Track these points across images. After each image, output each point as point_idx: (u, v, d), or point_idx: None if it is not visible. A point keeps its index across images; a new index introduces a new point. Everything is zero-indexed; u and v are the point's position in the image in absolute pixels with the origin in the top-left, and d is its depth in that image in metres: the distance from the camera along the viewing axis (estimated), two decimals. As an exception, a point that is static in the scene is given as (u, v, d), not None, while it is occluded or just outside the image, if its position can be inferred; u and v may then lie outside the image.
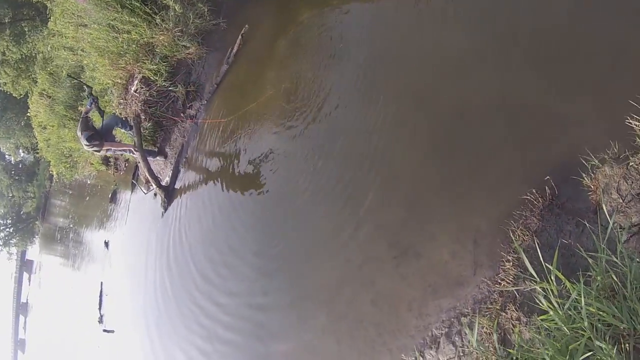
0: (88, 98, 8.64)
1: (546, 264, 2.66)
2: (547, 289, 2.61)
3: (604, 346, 2.21)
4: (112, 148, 9.10)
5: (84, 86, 9.11)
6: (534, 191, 3.16)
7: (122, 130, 9.34)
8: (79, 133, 8.34)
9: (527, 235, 3.08)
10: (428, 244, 3.76)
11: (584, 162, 2.87)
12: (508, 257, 3.12)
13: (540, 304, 2.62)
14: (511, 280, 3.03)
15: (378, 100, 4.80)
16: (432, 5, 4.71)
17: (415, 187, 4.09)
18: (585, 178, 2.88)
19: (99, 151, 8.93)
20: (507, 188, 3.39)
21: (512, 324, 2.92)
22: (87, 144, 8.32)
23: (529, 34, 3.72)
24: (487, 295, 3.21)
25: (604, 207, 2.70)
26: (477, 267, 3.35)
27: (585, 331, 2.32)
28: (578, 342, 2.31)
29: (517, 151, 3.45)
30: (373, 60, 5.17)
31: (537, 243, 2.86)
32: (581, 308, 2.33)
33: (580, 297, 2.33)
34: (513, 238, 3.12)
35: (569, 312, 2.45)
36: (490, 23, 4.05)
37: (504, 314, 3.00)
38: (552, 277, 2.59)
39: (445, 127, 4.03)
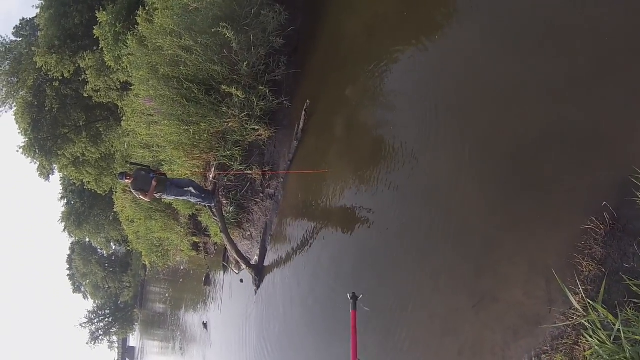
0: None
1: (589, 300, 2.89)
2: (593, 321, 2.78)
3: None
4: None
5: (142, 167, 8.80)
6: (594, 219, 3.18)
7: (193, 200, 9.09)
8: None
9: (593, 265, 3.13)
10: (503, 288, 3.83)
11: (635, 180, 2.85)
12: (576, 290, 3.13)
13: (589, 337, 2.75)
14: (581, 314, 3.05)
15: (440, 153, 4.90)
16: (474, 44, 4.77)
17: (483, 233, 4.16)
18: (640, 195, 2.84)
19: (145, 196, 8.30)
20: (569, 221, 3.43)
21: (585, 357, 2.97)
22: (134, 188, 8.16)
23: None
24: (563, 331, 3.22)
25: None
26: (551, 303, 3.37)
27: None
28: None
29: (571, 182, 3.51)
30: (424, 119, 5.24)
31: (602, 271, 3.00)
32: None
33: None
34: (578, 271, 3.18)
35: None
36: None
37: (577, 347, 3.06)
38: (598, 310, 2.77)
39: (501, 170, 4.15)
